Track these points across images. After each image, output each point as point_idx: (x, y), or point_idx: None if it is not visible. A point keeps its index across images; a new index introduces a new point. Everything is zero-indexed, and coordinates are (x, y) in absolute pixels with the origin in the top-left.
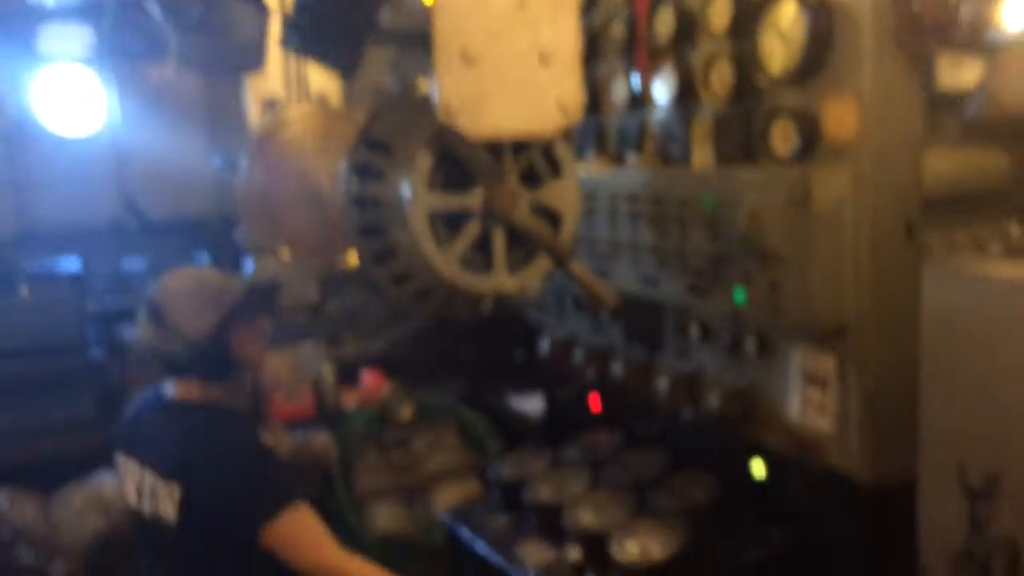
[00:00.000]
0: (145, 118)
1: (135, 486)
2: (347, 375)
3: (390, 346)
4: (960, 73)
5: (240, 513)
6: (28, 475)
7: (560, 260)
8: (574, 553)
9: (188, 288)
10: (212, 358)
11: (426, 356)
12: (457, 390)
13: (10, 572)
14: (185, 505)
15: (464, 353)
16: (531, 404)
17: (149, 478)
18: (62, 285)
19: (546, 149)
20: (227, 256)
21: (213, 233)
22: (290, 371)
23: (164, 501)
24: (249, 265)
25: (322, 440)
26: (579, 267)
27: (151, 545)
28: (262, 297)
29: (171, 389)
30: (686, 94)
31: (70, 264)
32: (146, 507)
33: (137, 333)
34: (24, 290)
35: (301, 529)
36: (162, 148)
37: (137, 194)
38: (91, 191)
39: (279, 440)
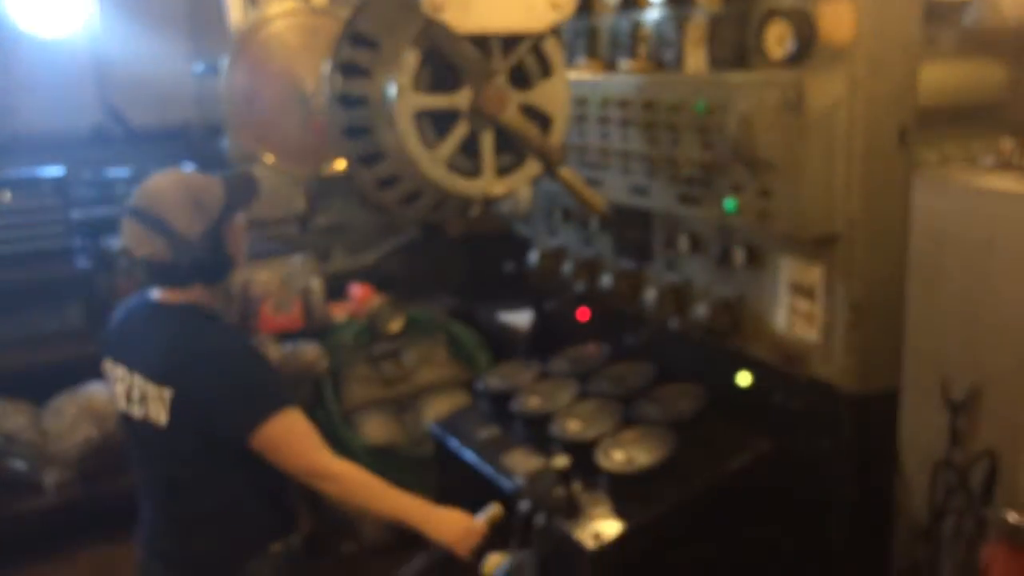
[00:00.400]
0: (125, 21)
1: (125, 391)
2: (336, 289)
3: (379, 260)
4: None
5: (232, 415)
6: (18, 385)
7: (550, 163)
8: (561, 461)
9: (176, 192)
10: (210, 260)
11: (415, 271)
12: (447, 304)
13: (2, 481)
14: (176, 408)
15: (454, 268)
16: (520, 318)
17: (139, 382)
18: (46, 190)
19: (536, 47)
20: (212, 166)
21: (197, 142)
22: (279, 284)
23: (155, 404)
24: None
25: (311, 352)
26: (569, 172)
27: (142, 449)
28: (243, 190)
29: (157, 293)
30: None
31: (52, 172)
32: (136, 411)
33: (127, 243)
34: (6, 195)
35: (291, 433)
36: (143, 53)
37: (119, 101)
38: (72, 97)
39: (267, 352)
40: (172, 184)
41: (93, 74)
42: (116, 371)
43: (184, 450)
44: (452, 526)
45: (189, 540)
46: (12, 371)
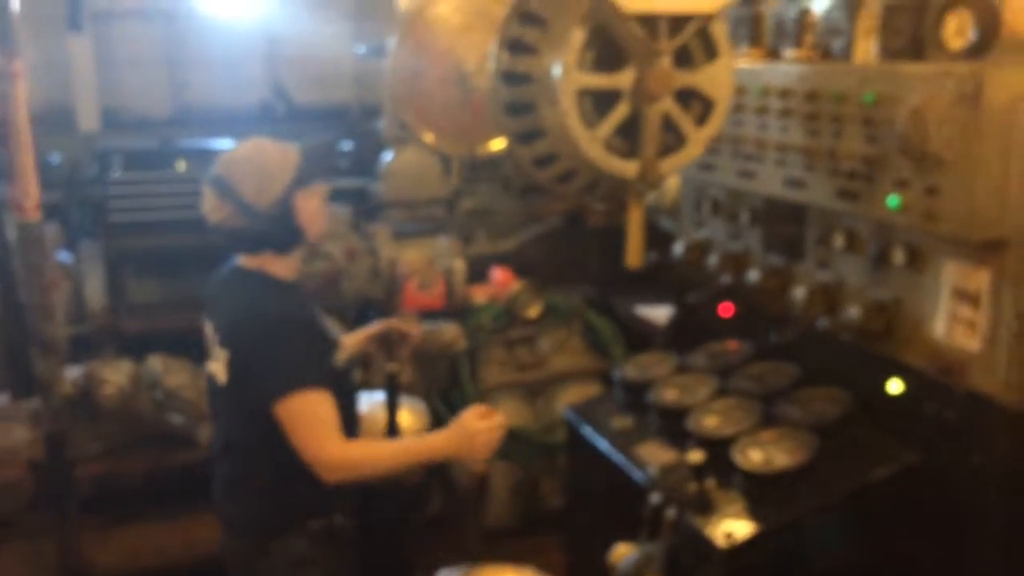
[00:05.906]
0: (295, 3)
1: (210, 348)
2: (477, 272)
3: (521, 246)
4: None
5: (262, 382)
6: (181, 344)
7: None
8: (696, 456)
9: (249, 161)
10: (279, 229)
11: (556, 258)
12: (584, 294)
13: (162, 434)
14: (231, 370)
15: (593, 258)
16: (658, 313)
17: (217, 341)
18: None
19: (702, 29)
20: (368, 145)
21: (356, 121)
22: (425, 263)
23: (220, 364)
24: (388, 155)
25: (451, 331)
26: None
27: (213, 406)
28: (319, 159)
29: (240, 258)
30: None
31: (223, 144)
32: (212, 368)
33: (204, 208)
34: (181, 164)
35: (303, 415)
36: (310, 33)
37: (285, 79)
38: (241, 74)
39: (411, 327)
40: (246, 153)
41: (263, 53)
42: (208, 329)
43: (238, 412)
44: (462, 442)
45: (233, 502)
46: (177, 331)
